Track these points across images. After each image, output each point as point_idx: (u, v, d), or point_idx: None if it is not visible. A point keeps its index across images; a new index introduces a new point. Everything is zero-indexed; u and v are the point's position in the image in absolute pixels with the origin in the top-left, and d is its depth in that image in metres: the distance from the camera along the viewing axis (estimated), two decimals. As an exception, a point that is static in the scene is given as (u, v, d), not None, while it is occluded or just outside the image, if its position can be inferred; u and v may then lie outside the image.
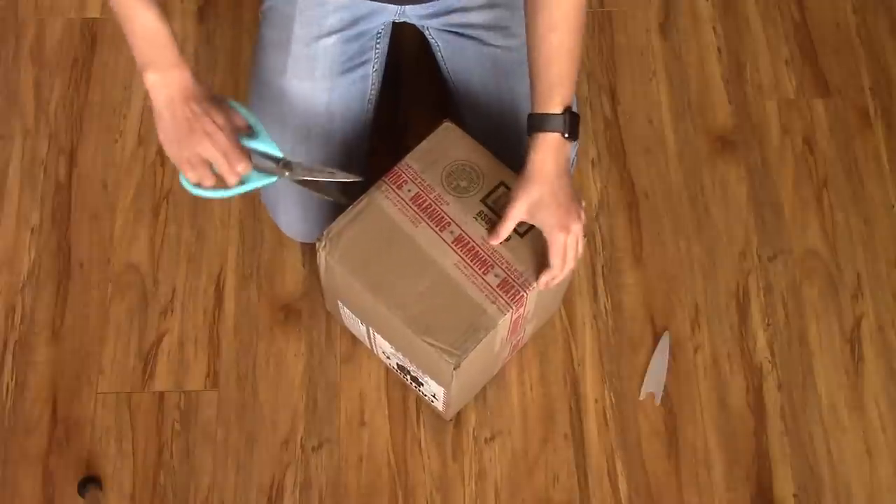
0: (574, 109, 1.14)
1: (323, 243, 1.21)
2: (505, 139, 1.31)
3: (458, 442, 1.40)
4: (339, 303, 1.34)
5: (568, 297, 1.49)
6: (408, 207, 1.23)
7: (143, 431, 1.39)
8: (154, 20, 1.03)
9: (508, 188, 1.24)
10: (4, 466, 1.37)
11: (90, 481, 1.34)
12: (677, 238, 1.55)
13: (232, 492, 1.36)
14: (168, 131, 1.05)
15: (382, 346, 1.33)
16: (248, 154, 1.09)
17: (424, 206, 1.22)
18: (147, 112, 1.60)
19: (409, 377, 1.35)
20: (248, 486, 1.37)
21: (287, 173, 1.14)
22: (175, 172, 1.55)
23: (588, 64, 1.67)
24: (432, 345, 1.17)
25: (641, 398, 1.44)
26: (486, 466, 1.39)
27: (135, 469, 1.37)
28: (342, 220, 1.22)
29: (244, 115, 1.10)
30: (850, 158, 1.62)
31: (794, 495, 1.39)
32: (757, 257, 1.54)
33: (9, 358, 1.43)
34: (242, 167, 1.06)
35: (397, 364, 1.34)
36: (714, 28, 1.71)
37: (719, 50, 1.70)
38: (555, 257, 1.16)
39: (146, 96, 1.59)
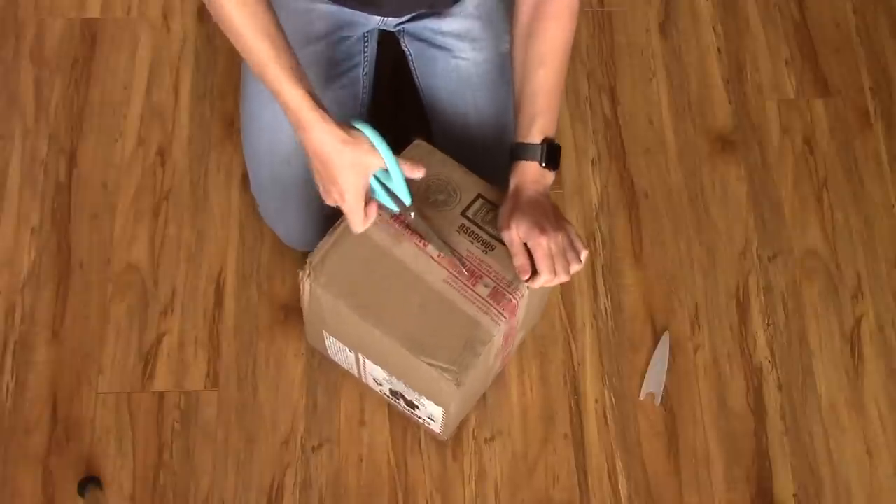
0: (555, 140, 1.17)
1: (307, 271, 1.19)
2: (470, 150, 1.34)
3: (458, 442, 1.40)
4: (325, 333, 1.31)
5: (568, 297, 1.49)
6: (389, 225, 1.20)
7: (143, 431, 1.39)
8: (300, 98, 1.08)
9: (486, 199, 1.23)
10: (4, 466, 1.37)
11: (90, 481, 1.34)
12: (677, 238, 1.55)
13: (232, 492, 1.36)
14: (315, 176, 1.15)
15: (373, 372, 1.30)
16: (372, 203, 1.15)
17: (406, 222, 1.20)
18: (147, 112, 1.60)
19: (402, 402, 1.33)
20: (248, 486, 1.37)
21: (412, 215, 1.17)
22: (175, 172, 1.55)
23: (588, 64, 1.67)
24: (432, 364, 1.14)
25: (641, 398, 1.44)
26: (486, 466, 1.39)
27: (135, 469, 1.37)
28: (323, 245, 1.20)
29: (383, 154, 1.11)
30: (850, 158, 1.62)
31: (794, 495, 1.39)
32: (757, 257, 1.54)
33: (9, 358, 1.43)
34: (359, 229, 1.14)
35: (390, 390, 1.32)
36: (714, 28, 1.71)
37: (719, 50, 1.70)
38: (539, 261, 1.13)
39: (146, 96, 1.61)
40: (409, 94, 1.43)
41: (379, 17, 1.32)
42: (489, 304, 1.17)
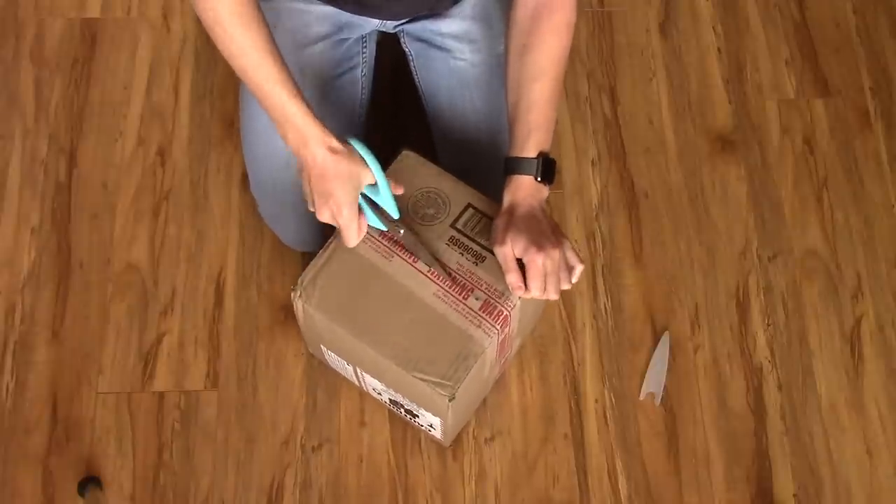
0: (550, 155, 1.16)
1: (298, 292, 1.19)
2: (469, 150, 1.33)
3: (458, 442, 1.40)
4: (322, 347, 1.32)
5: (568, 298, 1.49)
6: (378, 243, 1.20)
7: (143, 431, 1.39)
8: (301, 114, 1.10)
9: (476, 209, 1.23)
10: (4, 466, 1.37)
11: (90, 481, 1.34)
12: (677, 238, 1.55)
13: (232, 492, 1.36)
14: (307, 193, 1.15)
15: (372, 384, 1.30)
16: (363, 216, 1.17)
17: (395, 238, 1.20)
18: (147, 112, 1.60)
19: (402, 410, 1.33)
20: (248, 486, 1.37)
21: (402, 231, 1.18)
22: (175, 172, 1.55)
23: (588, 64, 1.67)
24: (424, 379, 1.15)
25: (641, 398, 1.44)
26: (486, 466, 1.39)
27: (135, 469, 1.37)
28: (314, 266, 1.20)
29: (374, 170, 1.13)
30: (850, 158, 1.62)
31: (794, 495, 1.39)
32: (757, 257, 1.54)
33: (9, 358, 1.43)
34: (353, 243, 1.17)
35: (389, 399, 1.32)
36: (714, 28, 1.71)
37: (719, 50, 1.70)
38: (530, 279, 1.12)
39: (146, 96, 1.61)
40: (408, 95, 1.43)
41: (377, 20, 1.32)
42: (481, 317, 1.17)
